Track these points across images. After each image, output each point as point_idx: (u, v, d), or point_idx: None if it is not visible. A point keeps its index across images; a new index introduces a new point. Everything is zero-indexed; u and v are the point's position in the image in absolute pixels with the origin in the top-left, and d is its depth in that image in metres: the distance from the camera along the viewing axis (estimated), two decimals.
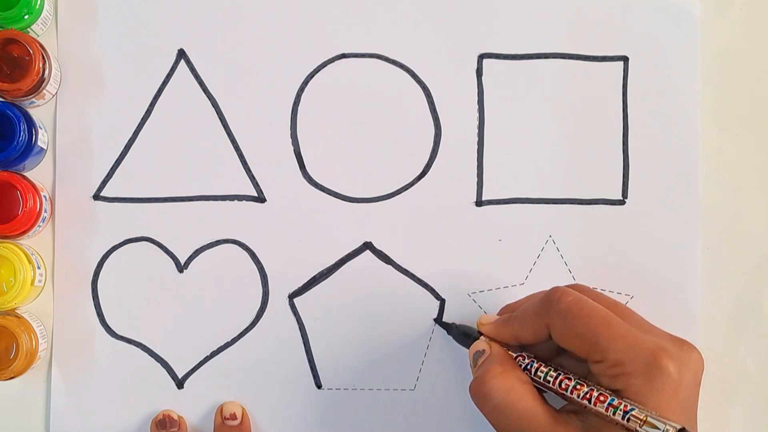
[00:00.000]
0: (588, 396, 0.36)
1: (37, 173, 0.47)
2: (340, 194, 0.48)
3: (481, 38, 0.48)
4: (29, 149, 0.45)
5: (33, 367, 0.45)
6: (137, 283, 0.47)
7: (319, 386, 0.47)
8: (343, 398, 0.47)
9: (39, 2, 0.46)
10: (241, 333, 0.47)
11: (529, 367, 0.39)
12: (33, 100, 0.46)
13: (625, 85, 0.48)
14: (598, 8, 0.48)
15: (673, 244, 0.48)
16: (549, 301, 0.38)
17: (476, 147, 0.48)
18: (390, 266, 0.48)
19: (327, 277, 0.48)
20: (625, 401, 0.35)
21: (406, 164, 0.48)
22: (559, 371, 0.38)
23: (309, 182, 0.48)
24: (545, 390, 0.39)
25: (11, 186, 0.44)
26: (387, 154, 0.48)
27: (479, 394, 0.38)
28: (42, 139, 0.46)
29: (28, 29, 0.46)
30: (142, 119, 0.48)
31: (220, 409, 0.47)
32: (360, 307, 0.47)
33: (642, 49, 0.48)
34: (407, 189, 0.48)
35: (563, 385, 0.38)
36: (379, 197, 0.48)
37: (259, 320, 0.47)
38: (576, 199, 0.48)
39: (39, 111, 0.47)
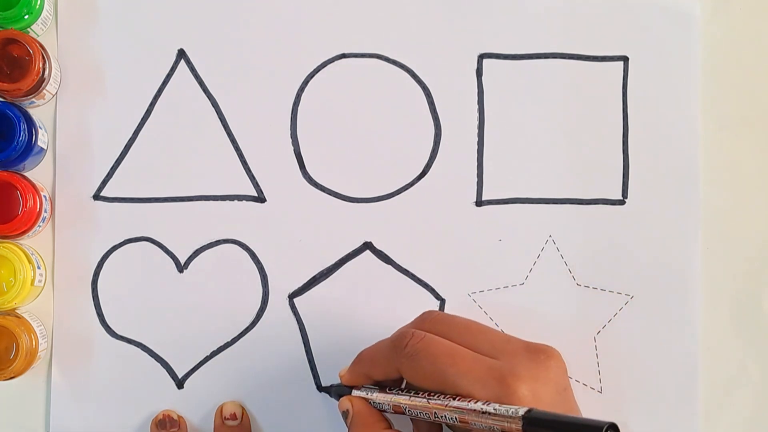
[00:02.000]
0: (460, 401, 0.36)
1: (37, 173, 0.47)
2: (340, 194, 0.48)
3: (481, 38, 0.48)
4: (29, 149, 0.45)
5: (33, 367, 0.45)
6: (137, 283, 0.47)
7: (319, 386, 0.47)
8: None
9: (39, 2, 0.46)
10: (241, 333, 0.47)
11: (378, 404, 0.40)
12: (33, 100, 0.46)
13: (625, 85, 0.48)
14: (598, 8, 0.48)
15: (673, 244, 0.48)
16: (396, 345, 0.39)
17: (476, 147, 0.48)
18: (390, 266, 0.48)
19: (327, 277, 0.48)
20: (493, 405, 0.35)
21: (406, 164, 0.48)
22: (424, 392, 0.38)
23: (309, 182, 0.48)
24: (413, 416, 0.39)
25: (11, 186, 0.44)
26: (387, 154, 0.48)
27: None
28: (42, 139, 0.46)
29: (28, 29, 0.46)
30: (142, 119, 0.48)
31: (220, 409, 0.47)
32: (360, 307, 0.47)
33: (642, 49, 0.48)
34: (407, 189, 0.48)
35: (435, 400, 0.37)
36: (379, 197, 0.48)
37: (259, 320, 0.47)
38: (576, 199, 0.48)
39: (39, 111, 0.47)
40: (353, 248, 0.48)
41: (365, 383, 0.42)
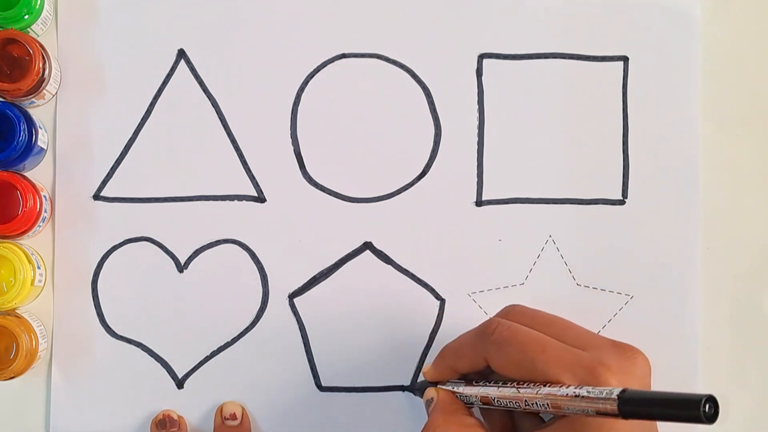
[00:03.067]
0: (552, 389, 0.36)
1: (37, 173, 0.47)
2: (340, 194, 0.48)
3: (481, 38, 0.48)
4: (29, 149, 0.45)
5: (33, 367, 0.45)
6: (137, 283, 0.47)
7: (319, 386, 0.47)
8: (343, 398, 0.47)
9: (39, 2, 0.46)
10: (241, 333, 0.47)
11: (466, 397, 0.40)
12: (33, 100, 0.46)
13: (625, 85, 0.48)
14: (598, 8, 0.48)
15: (673, 244, 0.48)
16: (484, 333, 0.39)
17: (476, 147, 0.48)
18: (390, 266, 0.48)
19: (327, 277, 0.48)
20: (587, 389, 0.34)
21: (406, 164, 0.48)
22: (512, 382, 0.38)
23: (309, 182, 0.48)
24: (502, 406, 0.38)
25: (11, 186, 0.44)
26: (387, 154, 0.48)
27: None
28: (42, 139, 0.46)
29: (28, 29, 0.46)
30: (142, 119, 0.48)
31: (220, 409, 0.47)
32: (360, 307, 0.47)
33: (642, 49, 0.48)
34: (407, 189, 0.48)
35: (525, 389, 0.37)
36: (379, 197, 0.48)
37: (259, 320, 0.47)
38: (576, 199, 0.48)
39: (39, 111, 0.47)
40: (353, 248, 0.48)
41: (450, 377, 0.41)
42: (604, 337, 0.38)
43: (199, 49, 0.48)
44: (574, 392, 0.34)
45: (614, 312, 0.47)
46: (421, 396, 0.43)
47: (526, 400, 0.36)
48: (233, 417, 0.46)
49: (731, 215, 0.48)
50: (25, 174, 0.46)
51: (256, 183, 0.48)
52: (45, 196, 0.46)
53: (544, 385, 0.36)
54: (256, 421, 0.47)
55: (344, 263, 0.48)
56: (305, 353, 0.47)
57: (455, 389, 0.40)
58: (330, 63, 0.48)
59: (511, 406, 0.37)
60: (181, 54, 0.48)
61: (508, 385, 0.38)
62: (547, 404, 0.35)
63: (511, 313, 0.40)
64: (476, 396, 0.39)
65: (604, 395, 0.33)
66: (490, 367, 0.39)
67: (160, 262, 0.47)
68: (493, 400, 0.38)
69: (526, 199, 0.48)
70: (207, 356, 0.47)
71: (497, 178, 0.48)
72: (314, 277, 0.48)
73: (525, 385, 0.37)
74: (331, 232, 0.48)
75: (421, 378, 0.43)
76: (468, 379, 0.41)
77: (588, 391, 0.34)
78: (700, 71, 0.48)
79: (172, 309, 0.47)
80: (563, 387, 0.35)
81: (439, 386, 0.41)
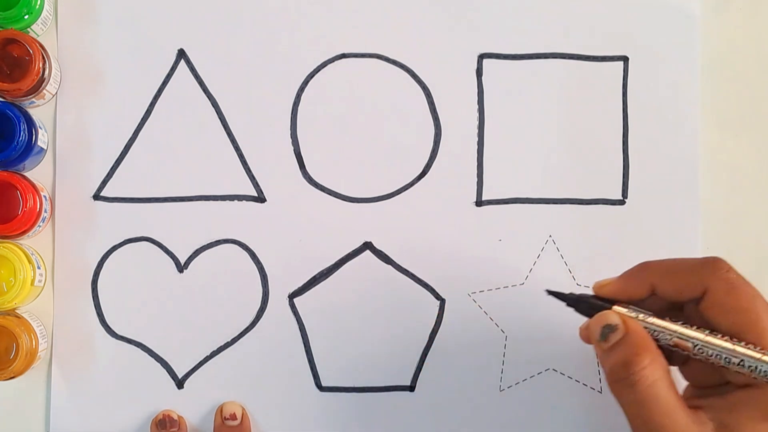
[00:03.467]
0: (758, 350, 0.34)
1: (37, 173, 0.47)
2: (340, 194, 0.48)
3: (481, 38, 0.48)
4: (29, 149, 0.45)
5: (33, 367, 0.45)
6: (137, 283, 0.47)
7: (319, 386, 0.47)
8: (343, 398, 0.47)
9: (39, 2, 0.46)
10: (241, 333, 0.47)
11: (661, 329, 0.36)
12: (33, 100, 0.46)
13: (625, 85, 0.48)
14: (598, 8, 0.48)
15: (673, 244, 0.48)
16: (716, 266, 0.36)
17: (476, 147, 0.48)
18: (390, 266, 0.48)
19: (327, 277, 0.48)
20: None
21: (406, 164, 0.48)
22: (713, 330, 0.36)
23: (309, 182, 0.48)
24: (687, 353, 0.36)
25: (11, 186, 0.44)
26: (387, 154, 0.48)
27: (625, 382, 0.35)
28: (42, 139, 0.46)
29: (28, 29, 0.46)
30: (142, 119, 0.48)
31: (220, 409, 0.47)
32: (360, 307, 0.47)
33: (642, 49, 0.48)
34: (407, 189, 0.48)
35: (743, 347, 0.35)
36: (379, 197, 0.48)
37: (259, 320, 0.47)
38: (576, 199, 0.48)
39: (39, 111, 0.47)
40: (353, 248, 0.48)
41: (639, 295, 0.38)
42: None
43: (199, 49, 0.48)
44: None
45: None
46: (583, 312, 0.38)
47: (742, 360, 0.34)
48: (233, 417, 0.46)
49: (731, 215, 0.48)
50: (25, 174, 0.46)
51: (256, 183, 0.48)
52: (45, 196, 0.46)
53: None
54: (256, 421, 0.47)
55: (344, 263, 0.48)
56: (305, 353, 0.47)
57: (639, 317, 0.36)
58: (330, 63, 0.48)
59: (713, 359, 0.35)
60: (181, 54, 0.48)
61: (716, 335, 0.35)
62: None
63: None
64: (671, 333, 0.36)
65: None
66: (689, 301, 0.37)
67: (160, 262, 0.47)
68: (694, 347, 0.36)
69: (526, 199, 0.48)
70: (207, 356, 0.47)
71: (497, 178, 0.48)
72: (314, 277, 0.48)
73: (743, 344, 0.35)
74: (331, 232, 0.48)
75: (573, 292, 0.40)
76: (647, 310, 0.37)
77: None
78: (700, 71, 0.48)
79: (172, 309, 0.47)
80: None
81: (616, 308, 0.37)
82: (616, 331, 0.36)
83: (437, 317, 0.48)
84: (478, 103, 0.48)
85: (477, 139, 0.48)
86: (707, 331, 0.36)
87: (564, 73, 0.48)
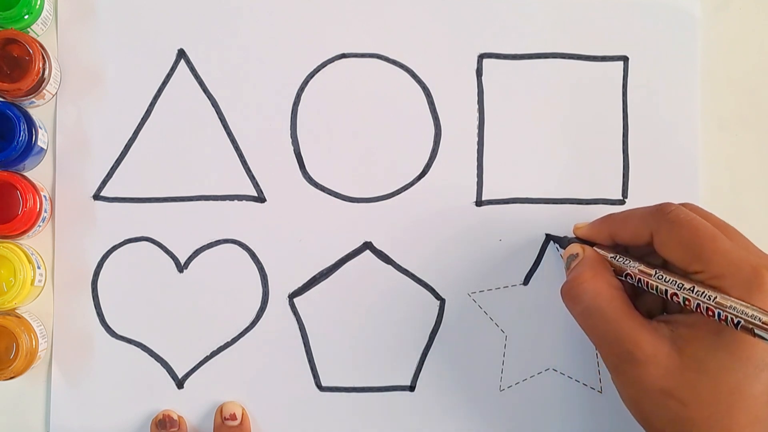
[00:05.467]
0: (691, 291, 0.36)
1: (37, 173, 0.47)
2: (340, 194, 0.48)
3: (481, 38, 0.48)
4: (29, 149, 0.45)
5: (33, 367, 0.45)
6: (137, 283, 0.47)
7: (319, 386, 0.47)
8: (343, 398, 0.47)
9: (39, 2, 0.46)
10: (241, 333, 0.47)
11: (624, 263, 0.40)
12: (33, 100, 0.46)
13: (625, 85, 0.48)
14: (598, 8, 0.48)
15: None
16: (660, 209, 0.39)
17: (476, 147, 0.48)
18: (390, 266, 0.48)
19: (327, 277, 0.48)
20: (734, 300, 0.35)
21: (406, 164, 0.48)
22: (656, 269, 0.39)
23: (309, 182, 0.48)
24: (642, 290, 0.40)
25: (11, 186, 0.44)
26: (387, 154, 0.48)
27: (570, 296, 0.40)
28: (42, 139, 0.46)
29: (28, 29, 0.46)
30: (142, 119, 0.48)
31: (220, 409, 0.47)
32: (360, 307, 0.47)
33: (642, 49, 0.48)
34: (407, 189, 0.48)
35: (664, 280, 0.38)
36: (379, 197, 0.48)
37: (259, 320, 0.47)
38: (576, 199, 0.48)
39: (39, 111, 0.47)
40: (353, 248, 0.48)
41: (603, 242, 0.42)
42: None
43: (199, 49, 0.48)
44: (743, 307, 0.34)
45: None
46: (563, 247, 0.44)
47: (684, 298, 0.37)
48: (233, 417, 0.46)
49: (731, 215, 0.48)
50: (25, 174, 0.46)
51: (256, 183, 0.48)
52: (45, 196, 0.46)
53: (707, 292, 0.36)
54: (256, 421, 0.47)
55: (344, 263, 0.48)
56: (305, 353, 0.47)
57: (605, 254, 0.41)
58: (330, 63, 0.48)
59: (658, 293, 0.38)
60: (181, 54, 0.48)
61: (666, 280, 0.38)
62: (706, 308, 0.36)
63: (687, 206, 0.40)
64: (631, 271, 0.40)
65: None
66: (647, 245, 0.40)
67: (160, 262, 0.47)
68: (644, 284, 0.39)
69: (526, 199, 0.48)
70: (207, 356, 0.47)
71: (497, 178, 0.48)
72: (314, 277, 0.48)
73: (689, 289, 0.37)
74: (331, 232, 0.48)
75: (568, 235, 0.45)
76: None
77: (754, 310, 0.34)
78: (700, 71, 0.48)
79: (172, 309, 0.47)
80: (730, 298, 0.35)
81: (578, 243, 0.43)
82: (576, 259, 0.42)
83: (437, 317, 0.48)
84: (478, 103, 0.48)
85: (477, 139, 0.48)
86: (656, 271, 0.39)
87: (564, 73, 0.48)
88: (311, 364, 0.47)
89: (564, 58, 0.48)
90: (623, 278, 0.40)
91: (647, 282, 0.39)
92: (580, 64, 0.48)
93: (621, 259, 0.41)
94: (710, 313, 0.35)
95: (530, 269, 0.48)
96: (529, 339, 0.47)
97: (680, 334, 0.37)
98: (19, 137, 0.44)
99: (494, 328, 0.47)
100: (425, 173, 0.48)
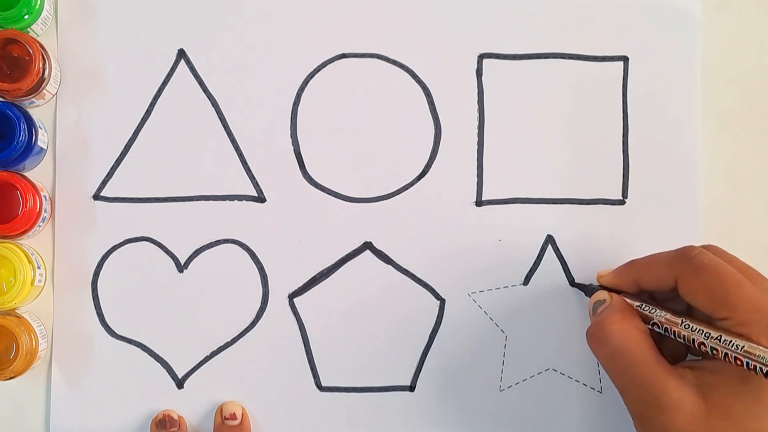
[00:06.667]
0: (719, 340, 0.36)
1: (37, 173, 0.47)
2: (340, 194, 0.48)
3: (481, 38, 0.48)
4: (29, 149, 0.45)
5: (33, 367, 0.45)
6: (137, 283, 0.47)
7: (319, 386, 0.47)
8: (342, 398, 0.47)
9: (39, 2, 0.46)
10: (241, 333, 0.47)
11: (651, 311, 0.40)
12: (33, 100, 0.46)
13: (625, 85, 0.48)
14: (598, 8, 0.48)
15: (673, 244, 0.47)
16: (684, 254, 0.39)
17: (476, 147, 0.48)
18: (390, 266, 0.48)
19: (327, 277, 0.48)
20: (763, 349, 0.35)
21: (406, 164, 0.48)
22: (682, 317, 0.39)
23: (309, 182, 0.48)
24: (667, 336, 0.40)
25: (11, 186, 0.44)
26: (387, 154, 0.48)
27: (596, 337, 0.40)
28: (42, 139, 0.46)
29: (28, 29, 0.46)
30: (142, 119, 0.48)
31: (220, 409, 0.47)
32: (360, 307, 0.47)
33: (642, 49, 0.48)
34: (407, 189, 0.48)
35: (690, 329, 0.38)
36: (379, 197, 0.48)
37: (259, 320, 0.47)
38: (576, 199, 0.48)
39: (39, 111, 0.47)
40: (353, 248, 0.48)
41: (627, 289, 0.42)
42: None
43: (199, 49, 0.48)
44: None
45: None
46: (588, 295, 0.44)
47: (712, 347, 0.37)
48: (233, 417, 0.46)
49: (731, 215, 0.48)
50: (25, 174, 0.46)
51: (256, 183, 0.48)
52: (45, 196, 0.46)
53: (735, 341, 0.36)
54: (256, 421, 0.47)
55: (344, 263, 0.48)
56: (305, 353, 0.47)
57: (631, 301, 0.41)
58: (330, 63, 0.48)
59: (685, 341, 0.38)
60: (181, 54, 0.48)
61: (694, 329, 0.38)
62: (734, 357, 0.36)
63: (709, 248, 0.40)
64: (658, 319, 0.40)
65: None
66: (671, 291, 0.40)
67: (160, 262, 0.47)
68: (673, 334, 0.39)
69: (526, 199, 0.48)
70: (207, 356, 0.47)
71: (497, 178, 0.48)
72: (314, 277, 0.48)
73: (716, 338, 0.37)
74: (331, 232, 0.48)
75: (593, 283, 0.45)
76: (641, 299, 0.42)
77: None
78: (700, 71, 0.48)
79: (172, 309, 0.47)
80: (758, 347, 0.35)
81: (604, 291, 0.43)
82: (603, 304, 0.42)
83: (437, 317, 0.48)
84: (478, 103, 0.48)
85: (477, 139, 0.48)
86: (683, 319, 0.39)
87: (564, 73, 0.48)
88: (311, 364, 0.47)
89: (564, 58, 0.48)
90: (650, 327, 0.40)
91: (674, 330, 0.39)
92: (580, 64, 0.48)
93: (647, 307, 0.41)
94: (738, 362, 0.36)
95: (530, 269, 0.48)
96: (529, 339, 0.47)
97: (706, 381, 0.37)
98: (19, 137, 0.44)
99: (494, 328, 0.47)
100: (425, 173, 0.48)
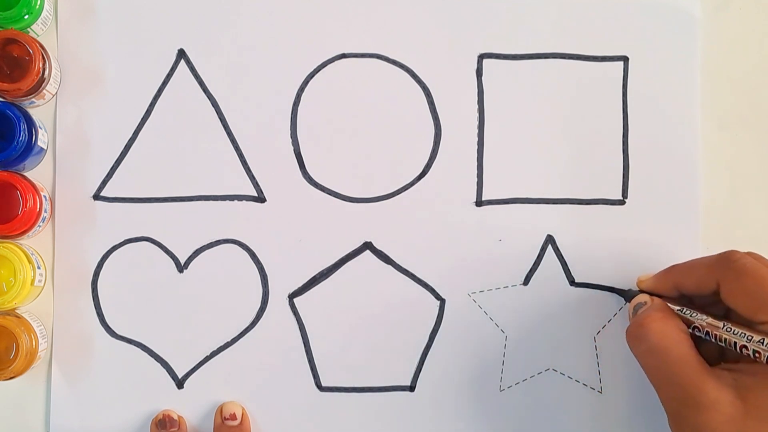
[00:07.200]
0: (762, 343, 0.37)
1: (37, 173, 0.47)
2: (340, 194, 0.48)
3: (481, 38, 0.48)
4: (29, 149, 0.45)
5: (33, 367, 0.45)
6: (137, 283, 0.47)
7: (319, 386, 0.47)
8: (342, 398, 0.47)
9: (39, 2, 0.46)
10: (241, 333, 0.47)
11: (692, 315, 0.41)
12: (33, 100, 0.46)
13: (625, 85, 0.48)
14: (598, 8, 0.48)
15: (673, 244, 0.48)
16: (726, 258, 0.39)
17: (476, 147, 0.48)
18: (390, 266, 0.48)
19: (327, 277, 0.48)
20: None
21: (406, 164, 0.48)
22: (723, 321, 0.39)
23: (309, 182, 0.48)
24: (705, 341, 0.40)
25: (11, 186, 0.44)
26: (387, 154, 0.48)
27: (635, 335, 0.40)
28: (42, 139, 0.46)
29: (28, 29, 0.46)
30: (142, 119, 0.48)
31: (220, 409, 0.47)
32: (360, 307, 0.47)
33: (642, 49, 0.48)
34: (407, 189, 0.48)
35: (732, 332, 0.38)
36: (379, 197, 0.48)
37: (259, 320, 0.47)
38: (576, 199, 0.48)
39: (39, 111, 0.47)
40: (353, 248, 0.48)
41: (667, 293, 0.43)
42: None
43: (199, 49, 0.48)
44: None
45: (614, 312, 0.47)
46: (627, 300, 0.44)
47: (754, 350, 0.37)
48: (233, 417, 0.46)
49: (731, 215, 0.48)
50: (25, 174, 0.46)
51: (256, 183, 0.48)
52: (45, 196, 0.46)
53: None
54: (256, 421, 0.47)
55: (344, 263, 0.48)
56: (305, 353, 0.47)
57: (673, 308, 0.41)
58: (330, 63, 0.48)
59: (727, 345, 0.39)
60: (181, 54, 0.48)
61: (737, 331, 0.38)
62: None
63: (751, 254, 0.41)
64: (698, 323, 0.40)
65: None
66: (711, 295, 0.40)
67: (160, 262, 0.47)
68: (712, 336, 0.39)
69: (526, 199, 0.48)
70: (207, 356, 0.47)
71: (497, 178, 0.48)
72: (314, 277, 0.48)
73: (758, 340, 0.37)
74: (331, 232, 0.48)
75: (632, 288, 0.45)
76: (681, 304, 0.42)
77: None
78: (700, 71, 0.48)
79: (172, 309, 0.47)
80: None
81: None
82: (643, 306, 0.43)
83: (437, 317, 0.48)
84: (478, 103, 0.48)
85: (477, 139, 0.48)
86: (725, 323, 0.39)
87: (564, 73, 0.48)
88: (311, 364, 0.47)
89: (564, 58, 0.48)
90: (691, 330, 0.41)
91: (715, 334, 0.39)
92: (580, 64, 0.48)
93: (687, 311, 0.41)
94: None
95: (530, 269, 0.48)
96: (529, 339, 0.47)
97: (743, 383, 0.37)
98: (19, 137, 0.44)
99: (494, 328, 0.47)
100: (425, 173, 0.48)
